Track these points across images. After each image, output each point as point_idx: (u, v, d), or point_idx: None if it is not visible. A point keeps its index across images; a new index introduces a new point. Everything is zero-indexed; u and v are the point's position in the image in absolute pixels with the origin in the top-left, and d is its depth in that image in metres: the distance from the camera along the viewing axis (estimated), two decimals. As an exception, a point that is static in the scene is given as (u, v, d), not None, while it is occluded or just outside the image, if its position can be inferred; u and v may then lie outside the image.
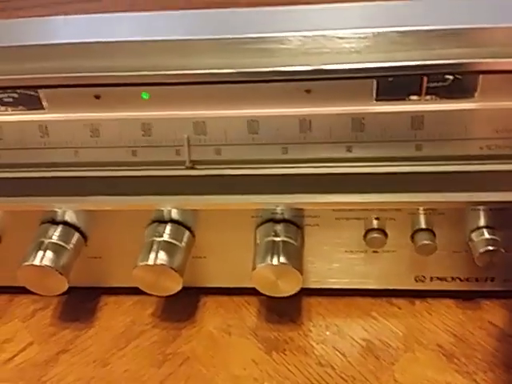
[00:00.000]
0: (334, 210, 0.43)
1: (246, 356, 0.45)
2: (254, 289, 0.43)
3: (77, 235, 0.46)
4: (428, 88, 0.38)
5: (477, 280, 0.46)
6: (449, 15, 0.38)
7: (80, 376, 0.44)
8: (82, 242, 0.46)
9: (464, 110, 0.39)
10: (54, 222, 0.45)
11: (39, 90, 0.40)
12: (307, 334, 0.46)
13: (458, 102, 0.38)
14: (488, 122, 0.39)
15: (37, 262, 0.43)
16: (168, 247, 0.43)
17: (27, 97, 0.41)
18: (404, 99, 0.39)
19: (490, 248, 0.41)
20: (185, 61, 0.39)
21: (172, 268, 0.42)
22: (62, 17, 0.44)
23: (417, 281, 0.47)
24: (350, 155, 0.41)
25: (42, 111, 0.41)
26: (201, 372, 0.44)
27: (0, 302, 0.51)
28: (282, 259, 0.42)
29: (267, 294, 0.44)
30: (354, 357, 0.44)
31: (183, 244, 0.44)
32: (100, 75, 0.39)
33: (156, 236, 0.44)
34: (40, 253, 0.43)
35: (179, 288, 0.44)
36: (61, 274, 0.43)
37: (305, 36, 0.37)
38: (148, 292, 0.44)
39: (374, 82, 0.38)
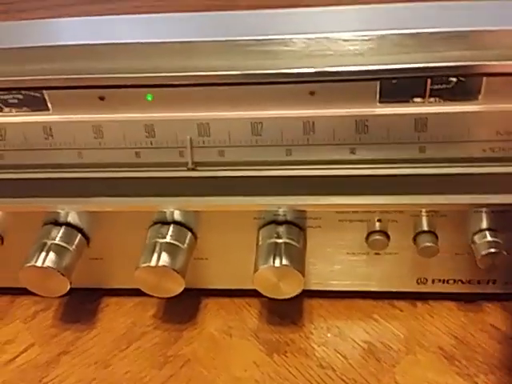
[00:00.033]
0: (336, 211, 0.44)
1: (247, 358, 0.45)
2: (255, 290, 0.43)
3: (79, 236, 0.46)
4: (432, 90, 0.38)
5: (478, 282, 0.46)
6: (452, 18, 0.39)
7: (81, 377, 0.44)
8: (85, 243, 0.46)
9: (467, 112, 0.39)
10: (57, 223, 0.45)
11: (44, 92, 0.40)
12: (308, 336, 0.46)
13: (461, 105, 0.39)
14: (491, 125, 0.39)
15: (39, 263, 0.43)
16: (170, 249, 0.43)
17: (32, 98, 0.41)
18: (408, 101, 0.39)
19: (492, 250, 0.41)
20: (189, 63, 0.39)
21: (174, 270, 0.42)
22: (67, 19, 0.44)
23: (419, 283, 0.47)
24: (353, 157, 0.41)
25: (46, 112, 0.41)
26: (202, 374, 0.44)
27: (1, 303, 0.51)
28: (284, 261, 0.42)
29: (269, 295, 0.44)
30: (355, 359, 0.44)
31: (185, 246, 0.44)
32: (104, 77, 0.39)
33: (158, 237, 0.44)
34: (42, 254, 0.43)
35: (181, 290, 0.44)
36: (63, 275, 0.43)
37: (309, 38, 0.37)
38: (150, 293, 0.44)
39: (378, 84, 0.38)
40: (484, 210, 0.42)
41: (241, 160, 0.42)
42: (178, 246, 0.44)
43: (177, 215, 0.45)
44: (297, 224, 0.44)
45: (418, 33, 0.37)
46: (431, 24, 0.37)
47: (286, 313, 0.48)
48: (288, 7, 0.41)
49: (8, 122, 0.42)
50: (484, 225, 0.43)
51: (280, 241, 0.43)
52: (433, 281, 0.47)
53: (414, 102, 0.39)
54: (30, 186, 0.44)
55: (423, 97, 0.39)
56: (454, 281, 0.46)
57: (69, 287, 0.44)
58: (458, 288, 0.47)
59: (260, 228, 0.45)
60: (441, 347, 0.44)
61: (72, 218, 0.45)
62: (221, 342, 0.46)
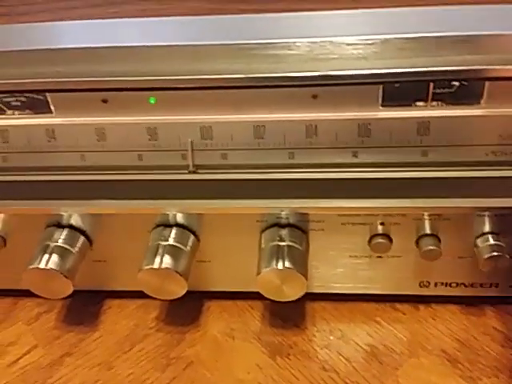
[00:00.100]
0: (339, 214, 0.44)
1: (249, 360, 0.45)
2: (257, 293, 0.44)
3: (82, 239, 0.46)
4: (434, 94, 0.38)
5: (481, 286, 0.46)
6: (455, 22, 0.39)
7: (84, 379, 0.44)
8: (88, 245, 0.46)
9: (470, 116, 0.39)
10: (60, 226, 0.46)
11: (47, 94, 0.41)
12: (311, 338, 0.46)
13: (463, 109, 0.39)
14: (494, 129, 0.39)
15: (42, 265, 0.43)
16: (173, 251, 0.43)
17: (35, 101, 0.41)
18: (410, 105, 0.39)
19: (495, 254, 0.41)
20: (192, 66, 0.39)
21: (177, 272, 0.43)
22: (70, 22, 0.44)
23: (421, 286, 0.47)
24: (355, 160, 0.41)
25: (49, 115, 0.41)
26: (205, 376, 0.44)
27: (4, 305, 0.51)
28: (287, 264, 0.42)
29: (272, 298, 0.44)
30: (358, 362, 0.44)
31: (188, 248, 0.44)
32: (107, 80, 0.39)
33: (161, 240, 0.44)
34: (45, 256, 0.44)
35: (184, 292, 0.44)
36: (66, 277, 0.43)
37: (312, 42, 0.37)
38: (152, 296, 0.44)
39: (381, 87, 0.38)
40: (487, 213, 0.42)
41: (243, 163, 0.42)
42: (180, 248, 0.44)
43: (179, 218, 0.45)
44: (299, 227, 0.44)
45: (420, 37, 0.37)
46: (434, 28, 0.37)
47: (288, 315, 0.48)
48: (292, 11, 0.41)
49: (11, 124, 0.42)
50: (487, 228, 0.43)
51: (283, 243, 0.43)
52: (435, 284, 0.47)
53: (416, 105, 0.39)
54: (32, 188, 0.44)
55: (426, 101, 0.39)
56: (457, 284, 0.46)
57: (72, 289, 0.44)
58: (461, 291, 0.47)
59: (263, 231, 0.45)
60: (444, 350, 0.44)
61: (75, 220, 0.46)
62: (223, 345, 0.46)
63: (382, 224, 0.44)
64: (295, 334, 0.47)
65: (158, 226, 0.45)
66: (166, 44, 0.39)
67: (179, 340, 0.47)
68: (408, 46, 0.37)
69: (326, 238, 0.45)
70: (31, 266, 0.43)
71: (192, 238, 0.45)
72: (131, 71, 0.39)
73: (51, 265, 0.43)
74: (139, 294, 0.45)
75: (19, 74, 0.40)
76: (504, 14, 0.39)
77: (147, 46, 0.39)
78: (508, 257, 0.42)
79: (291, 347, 0.46)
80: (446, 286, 0.47)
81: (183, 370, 0.44)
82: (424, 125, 0.39)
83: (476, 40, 0.36)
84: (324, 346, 0.46)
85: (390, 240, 0.44)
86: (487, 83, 0.38)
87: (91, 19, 0.43)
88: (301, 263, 0.43)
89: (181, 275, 0.43)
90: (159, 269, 0.42)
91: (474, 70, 0.37)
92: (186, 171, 0.43)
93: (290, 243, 0.43)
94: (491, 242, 0.42)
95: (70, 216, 0.45)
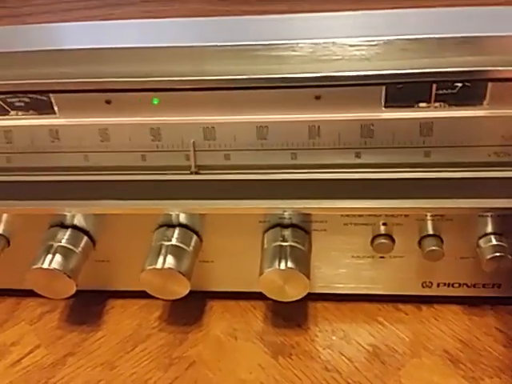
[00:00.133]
0: (341, 215, 0.44)
1: (252, 360, 0.45)
2: (260, 293, 0.44)
3: (85, 239, 0.46)
4: (437, 95, 0.38)
5: (484, 286, 0.46)
6: (458, 23, 0.39)
7: (87, 379, 0.44)
8: (91, 245, 0.46)
9: (472, 117, 0.39)
10: (63, 226, 0.46)
11: (51, 95, 0.41)
12: (313, 338, 0.46)
13: (466, 109, 0.39)
14: (496, 129, 0.39)
15: (46, 265, 0.43)
16: (176, 251, 0.44)
17: (39, 101, 0.41)
18: (413, 106, 0.39)
19: (498, 254, 0.42)
20: (195, 67, 0.39)
21: (180, 272, 0.43)
22: (74, 23, 0.44)
23: (424, 286, 0.47)
24: (358, 161, 0.41)
25: (53, 116, 0.42)
26: (207, 376, 0.44)
27: (7, 305, 0.51)
28: (290, 264, 0.42)
29: (274, 298, 0.44)
30: (360, 362, 0.44)
31: (191, 248, 0.44)
32: (111, 81, 0.39)
33: (164, 240, 0.44)
34: (49, 256, 0.44)
35: (186, 292, 0.44)
36: (69, 277, 0.43)
37: (315, 43, 0.38)
38: (155, 296, 0.44)
39: (383, 88, 0.38)
40: (489, 214, 0.42)
41: (246, 163, 0.42)
42: (183, 248, 0.44)
43: (182, 218, 0.45)
44: (302, 227, 0.44)
45: (423, 38, 0.37)
46: (437, 30, 0.37)
47: (291, 315, 0.48)
48: (294, 12, 0.42)
49: (15, 125, 0.42)
50: (489, 229, 0.43)
51: (285, 244, 0.43)
52: (438, 284, 0.47)
53: (419, 106, 0.39)
54: (36, 188, 0.44)
55: (428, 102, 0.39)
56: (459, 284, 0.46)
57: (75, 289, 0.44)
58: (463, 292, 0.47)
59: (265, 231, 0.45)
60: (446, 350, 0.44)
61: (78, 220, 0.46)
62: (226, 345, 0.46)
63: (384, 224, 0.44)
64: (297, 334, 0.47)
65: (161, 226, 0.45)
66: (169, 45, 0.39)
67: (182, 340, 0.47)
68: (411, 47, 0.37)
69: (329, 238, 0.45)
70: (35, 266, 0.43)
71: (195, 238, 0.45)
72: (135, 72, 0.39)
73: (54, 265, 0.43)
74: (142, 294, 0.45)
75: (23, 74, 0.40)
76: (506, 16, 0.39)
77: (150, 48, 0.39)
78: (510, 257, 0.42)
79: (293, 347, 0.46)
80: (448, 286, 0.47)
81: (185, 370, 0.44)
82: (427, 125, 0.40)
83: (479, 41, 0.36)
84: (326, 346, 0.46)
85: (393, 240, 0.44)
86: (490, 84, 0.38)
87: (94, 20, 0.43)
88: (303, 263, 0.43)
89: (183, 275, 0.43)
90: (162, 269, 0.42)
91: (477, 71, 0.37)
92: (189, 172, 0.43)
93: (293, 243, 0.43)
94: (494, 242, 0.42)
95: (74, 216, 0.45)
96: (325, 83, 0.38)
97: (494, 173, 0.41)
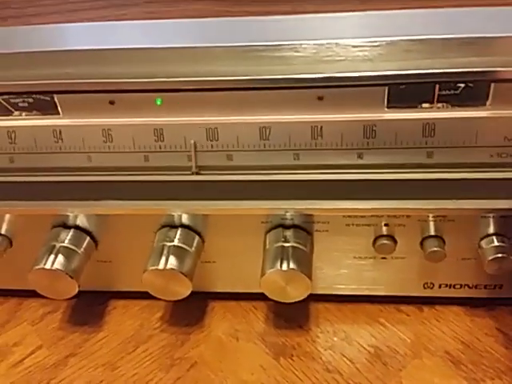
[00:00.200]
0: (343, 216, 0.44)
1: (253, 361, 0.45)
2: (262, 294, 0.44)
3: (88, 239, 0.46)
4: (440, 96, 0.38)
5: (485, 287, 0.46)
6: (460, 24, 0.39)
7: (89, 379, 0.44)
8: (93, 246, 0.46)
9: (475, 117, 0.39)
10: (66, 226, 0.46)
11: (54, 96, 0.41)
12: (315, 339, 0.46)
13: (469, 110, 0.39)
14: (499, 130, 0.39)
15: (48, 265, 0.43)
16: (178, 252, 0.44)
17: (42, 102, 0.41)
18: (416, 107, 0.39)
19: (500, 255, 0.42)
20: (198, 68, 0.39)
21: (182, 273, 0.43)
22: (78, 24, 0.44)
23: (425, 287, 0.47)
24: (361, 162, 0.41)
25: (56, 116, 0.42)
26: (209, 377, 0.44)
27: (9, 306, 0.51)
28: (292, 265, 0.42)
29: (276, 299, 0.44)
30: (361, 363, 0.44)
31: (193, 249, 0.44)
32: (114, 81, 0.40)
33: (166, 241, 0.44)
34: (51, 256, 0.44)
35: (188, 293, 0.44)
36: (71, 277, 0.44)
37: (318, 44, 0.38)
38: (157, 296, 0.44)
39: (386, 89, 0.39)
40: (491, 215, 0.42)
41: (249, 164, 0.42)
42: (185, 249, 0.44)
43: (185, 219, 0.45)
44: (304, 228, 0.44)
45: (426, 39, 0.37)
46: (440, 30, 0.37)
47: (292, 316, 0.48)
48: (298, 13, 0.42)
49: (18, 125, 0.42)
50: (491, 230, 0.43)
51: (287, 245, 0.43)
52: (440, 285, 0.47)
53: (422, 107, 0.39)
54: (39, 188, 0.44)
55: (431, 102, 0.39)
56: (461, 285, 0.46)
57: (77, 290, 0.44)
58: (465, 293, 0.47)
59: (267, 232, 0.45)
60: (447, 352, 0.44)
61: (81, 220, 0.46)
62: (227, 345, 0.46)
63: (386, 225, 0.44)
64: (299, 335, 0.47)
65: (164, 226, 0.45)
66: (173, 46, 0.39)
67: (183, 341, 0.47)
68: (414, 47, 0.37)
69: (331, 239, 0.45)
70: (37, 267, 0.43)
71: (197, 238, 0.45)
72: (138, 73, 0.39)
73: (57, 265, 0.43)
74: (144, 295, 0.45)
75: (27, 75, 0.40)
76: (510, 16, 0.40)
77: (154, 48, 0.39)
78: (512, 258, 0.42)
79: (295, 348, 0.46)
80: (450, 287, 0.47)
81: (187, 371, 0.44)
82: (429, 126, 0.40)
83: (482, 42, 0.37)
84: (328, 347, 0.46)
85: (395, 241, 0.44)
86: (493, 85, 0.38)
87: (98, 21, 0.43)
88: (305, 264, 0.43)
89: (185, 276, 0.43)
90: (164, 269, 0.42)
91: (480, 72, 0.37)
92: (190, 172, 0.43)
93: (295, 244, 0.43)
94: (496, 243, 0.42)
95: (76, 216, 0.45)
96: (327, 84, 0.38)
97: (496, 174, 0.41)
